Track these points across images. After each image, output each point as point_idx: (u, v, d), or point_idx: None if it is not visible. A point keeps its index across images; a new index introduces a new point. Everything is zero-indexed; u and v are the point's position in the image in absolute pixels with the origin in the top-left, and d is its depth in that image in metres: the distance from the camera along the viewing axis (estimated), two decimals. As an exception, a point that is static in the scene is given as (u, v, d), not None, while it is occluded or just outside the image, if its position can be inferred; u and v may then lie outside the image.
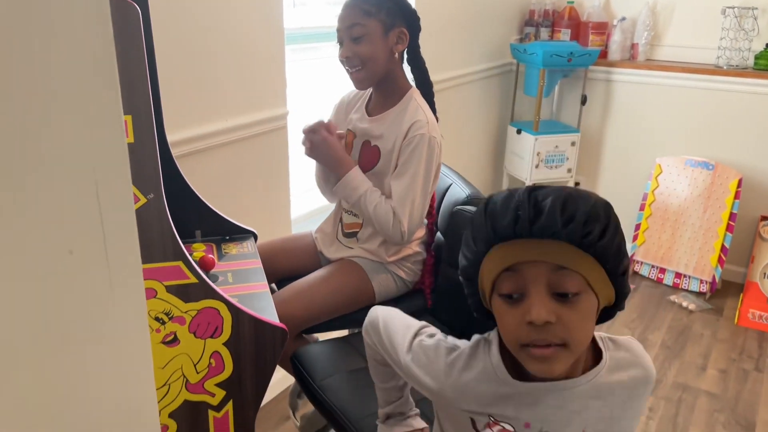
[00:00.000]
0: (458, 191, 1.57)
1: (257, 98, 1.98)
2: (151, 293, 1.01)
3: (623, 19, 3.35)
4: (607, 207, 0.81)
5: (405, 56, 1.56)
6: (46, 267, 0.45)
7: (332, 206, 1.71)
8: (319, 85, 2.32)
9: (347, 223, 1.62)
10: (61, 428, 0.47)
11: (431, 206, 1.58)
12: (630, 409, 0.90)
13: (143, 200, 0.95)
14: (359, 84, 1.52)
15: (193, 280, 1.03)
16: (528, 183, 3.32)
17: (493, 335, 0.90)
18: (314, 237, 1.71)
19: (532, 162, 3.32)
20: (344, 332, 1.55)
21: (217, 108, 1.84)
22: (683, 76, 3.21)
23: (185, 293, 1.04)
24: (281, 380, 2.30)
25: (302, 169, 2.20)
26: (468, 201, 1.50)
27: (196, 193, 1.47)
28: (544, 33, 3.49)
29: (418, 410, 1.09)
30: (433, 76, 2.85)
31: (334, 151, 1.49)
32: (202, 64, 1.76)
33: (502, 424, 0.87)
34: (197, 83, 1.75)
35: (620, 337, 0.94)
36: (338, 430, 1.22)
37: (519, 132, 3.40)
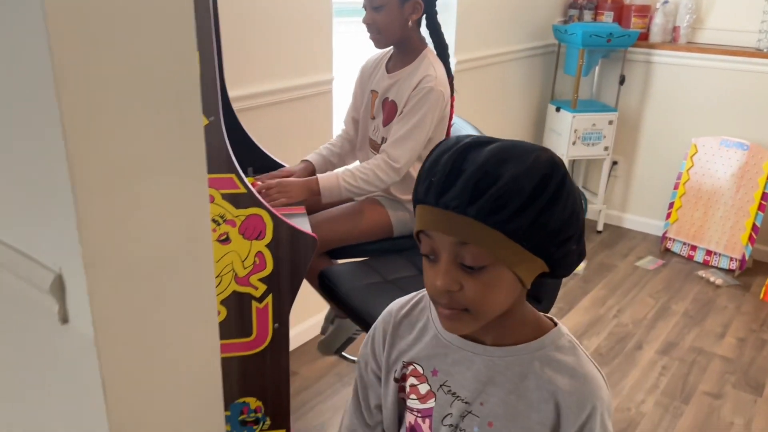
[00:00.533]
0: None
1: (305, 64, 2.23)
2: (210, 199, 1.26)
3: (666, 2, 3.44)
4: (543, 177, 0.74)
5: (425, 21, 1.75)
6: (146, 117, 0.70)
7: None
8: (363, 54, 2.55)
9: None
10: (138, 238, 0.72)
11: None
12: (543, 417, 0.81)
13: (206, 121, 1.20)
14: (376, 44, 1.74)
15: (242, 190, 1.28)
16: (566, 159, 3.48)
17: None
18: None
19: (570, 139, 3.46)
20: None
21: (267, 71, 2.10)
22: (723, 59, 3.29)
23: (236, 201, 1.29)
24: (316, 326, 2.55)
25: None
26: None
27: (250, 136, 1.73)
28: (588, 15, 3.62)
29: None
30: (478, 53, 3.06)
31: (292, 183, 1.60)
32: (256, 31, 2.01)
33: (414, 365, 0.88)
34: (251, 47, 2.01)
35: (587, 355, 0.86)
36: (365, 327, 1.46)
37: (558, 110, 3.55)
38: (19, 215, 0.78)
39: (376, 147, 1.79)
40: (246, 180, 1.30)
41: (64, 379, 0.80)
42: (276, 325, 1.37)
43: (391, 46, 1.79)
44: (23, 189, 0.76)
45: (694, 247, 3.41)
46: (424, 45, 1.76)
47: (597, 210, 3.70)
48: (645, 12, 3.50)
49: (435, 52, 1.75)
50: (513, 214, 0.72)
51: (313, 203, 1.78)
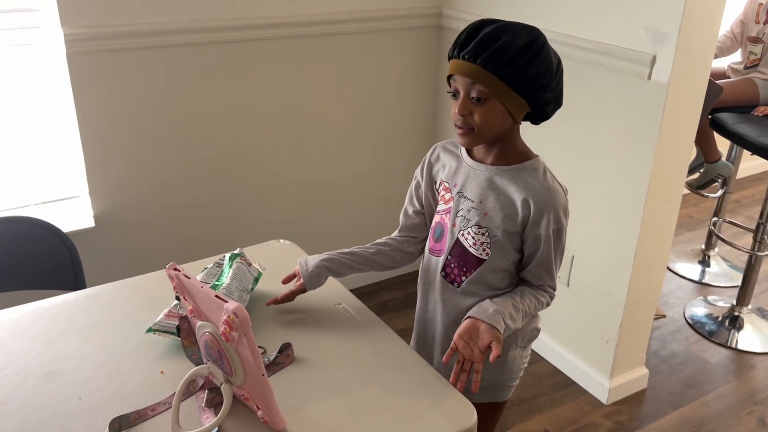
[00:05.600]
0: None
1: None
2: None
3: None
4: (527, 43, 1.06)
5: None
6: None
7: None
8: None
9: None
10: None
11: None
12: (519, 210, 1.16)
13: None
14: None
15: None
16: None
17: None
18: None
19: None
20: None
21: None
22: None
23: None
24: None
25: None
26: None
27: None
28: None
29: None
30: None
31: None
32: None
33: (445, 183, 1.26)
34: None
35: (556, 178, 1.19)
36: (748, 148, 2.35)
37: None
38: (626, 30, 1.76)
39: (756, 41, 2.56)
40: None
41: (634, 118, 1.81)
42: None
43: None
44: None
45: None
46: None
47: None
48: None
49: None
50: (504, 64, 1.06)
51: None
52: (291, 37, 2.22)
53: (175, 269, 0.97)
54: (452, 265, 1.24)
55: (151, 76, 2.03)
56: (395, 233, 1.37)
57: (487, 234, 1.19)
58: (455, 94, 1.13)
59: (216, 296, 0.89)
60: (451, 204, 1.23)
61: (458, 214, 1.21)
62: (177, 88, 2.09)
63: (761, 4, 2.60)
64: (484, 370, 1.11)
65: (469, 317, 1.15)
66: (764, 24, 2.56)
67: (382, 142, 2.58)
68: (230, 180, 2.30)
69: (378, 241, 1.35)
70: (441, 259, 1.26)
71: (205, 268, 1.33)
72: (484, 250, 1.20)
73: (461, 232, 1.21)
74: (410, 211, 1.34)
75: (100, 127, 2.01)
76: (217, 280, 1.27)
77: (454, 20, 2.40)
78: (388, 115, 2.54)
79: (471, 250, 1.21)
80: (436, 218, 1.28)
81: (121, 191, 2.11)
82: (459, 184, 1.22)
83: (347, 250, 1.32)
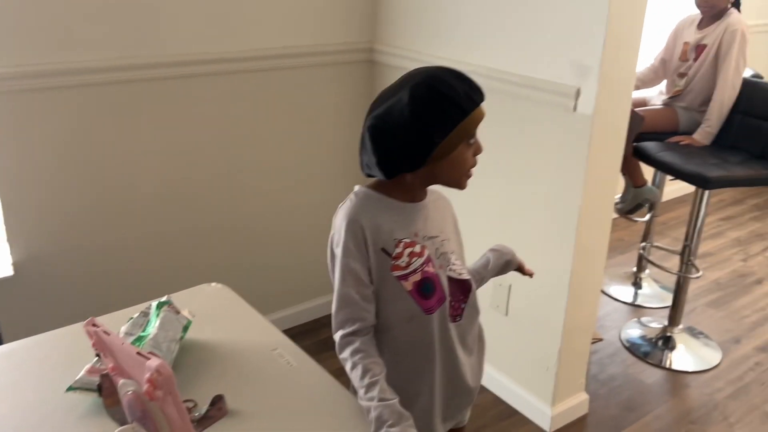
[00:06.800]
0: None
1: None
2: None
3: None
4: None
5: None
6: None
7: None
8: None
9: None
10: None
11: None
12: (446, 216, 1.27)
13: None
14: (705, 13, 2.65)
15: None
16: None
17: (357, 190, 1.19)
18: None
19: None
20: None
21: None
22: None
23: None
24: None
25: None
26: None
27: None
28: None
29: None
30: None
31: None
32: None
33: (404, 240, 1.17)
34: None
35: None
36: (670, 173, 2.45)
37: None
38: (551, 64, 1.83)
39: (682, 75, 2.71)
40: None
41: (562, 149, 1.85)
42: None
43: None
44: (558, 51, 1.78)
45: None
46: (728, 7, 2.61)
47: None
48: None
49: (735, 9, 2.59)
50: None
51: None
52: (222, 74, 2.18)
53: (94, 325, 0.91)
54: (453, 304, 1.24)
55: (69, 116, 1.94)
56: (360, 337, 1.13)
57: (457, 255, 1.26)
58: (471, 141, 1.14)
59: (138, 353, 0.84)
60: (426, 252, 1.19)
61: (436, 255, 1.21)
62: (99, 128, 2.00)
63: (687, 43, 2.74)
64: None
65: None
66: (693, 61, 2.70)
67: (317, 178, 2.55)
68: (157, 222, 2.21)
69: (362, 358, 1.10)
70: (443, 307, 1.21)
71: (131, 318, 1.26)
72: (464, 269, 1.27)
73: (447, 268, 1.23)
74: (369, 292, 1.15)
75: (16, 170, 1.90)
76: (143, 331, 1.21)
77: (386, 55, 2.42)
78: (324, 150, 2.52)
79: (461, 276, 1.24)
80: (415, 277, 1.17)
81: (40, 237, 2.00)
82: (419, 230, 1.20)
83: (374, 391, 1.06)
